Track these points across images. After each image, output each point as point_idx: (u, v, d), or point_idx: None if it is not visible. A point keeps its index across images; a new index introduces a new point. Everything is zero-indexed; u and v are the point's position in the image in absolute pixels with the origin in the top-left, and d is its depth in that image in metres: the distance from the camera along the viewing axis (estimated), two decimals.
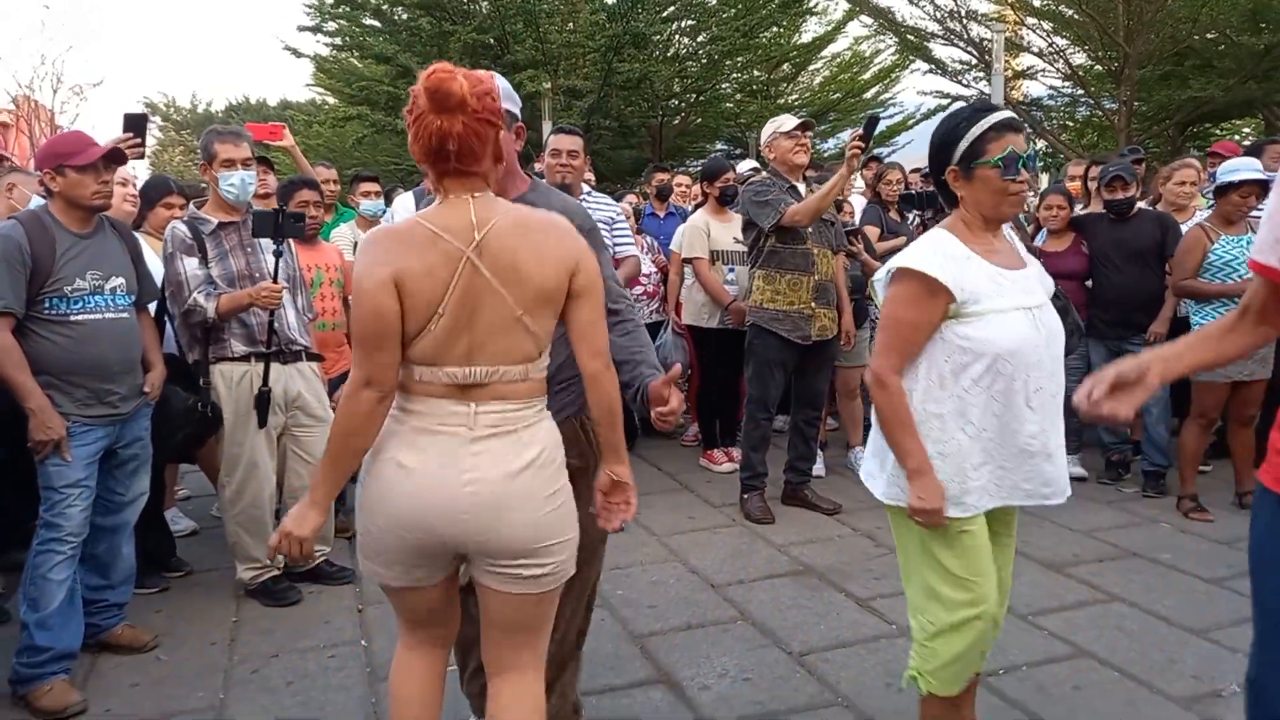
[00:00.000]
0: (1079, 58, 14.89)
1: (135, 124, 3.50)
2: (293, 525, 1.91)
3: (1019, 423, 2.18)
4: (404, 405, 1.90)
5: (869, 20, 16.82)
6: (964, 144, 2.20)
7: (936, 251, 2.19)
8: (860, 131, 4.29)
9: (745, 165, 7.20)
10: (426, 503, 1.85)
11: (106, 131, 3.44)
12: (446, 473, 1.84)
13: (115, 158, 3.10)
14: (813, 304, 4.54)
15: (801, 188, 4.57)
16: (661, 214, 6.47)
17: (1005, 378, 2.15)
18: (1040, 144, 17.29)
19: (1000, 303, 2.17)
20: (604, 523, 2.09)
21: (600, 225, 4.46)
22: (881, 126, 21.00)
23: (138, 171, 4.48)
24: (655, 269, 5.93)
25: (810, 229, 4.53)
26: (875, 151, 21.01)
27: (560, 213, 2.20)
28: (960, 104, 16.53)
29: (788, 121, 4.60)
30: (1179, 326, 4.73)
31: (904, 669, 2.68)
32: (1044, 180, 12.98)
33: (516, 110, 2.36)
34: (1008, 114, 2.25)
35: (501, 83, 2.26)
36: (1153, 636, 3.28)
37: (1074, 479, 5.05)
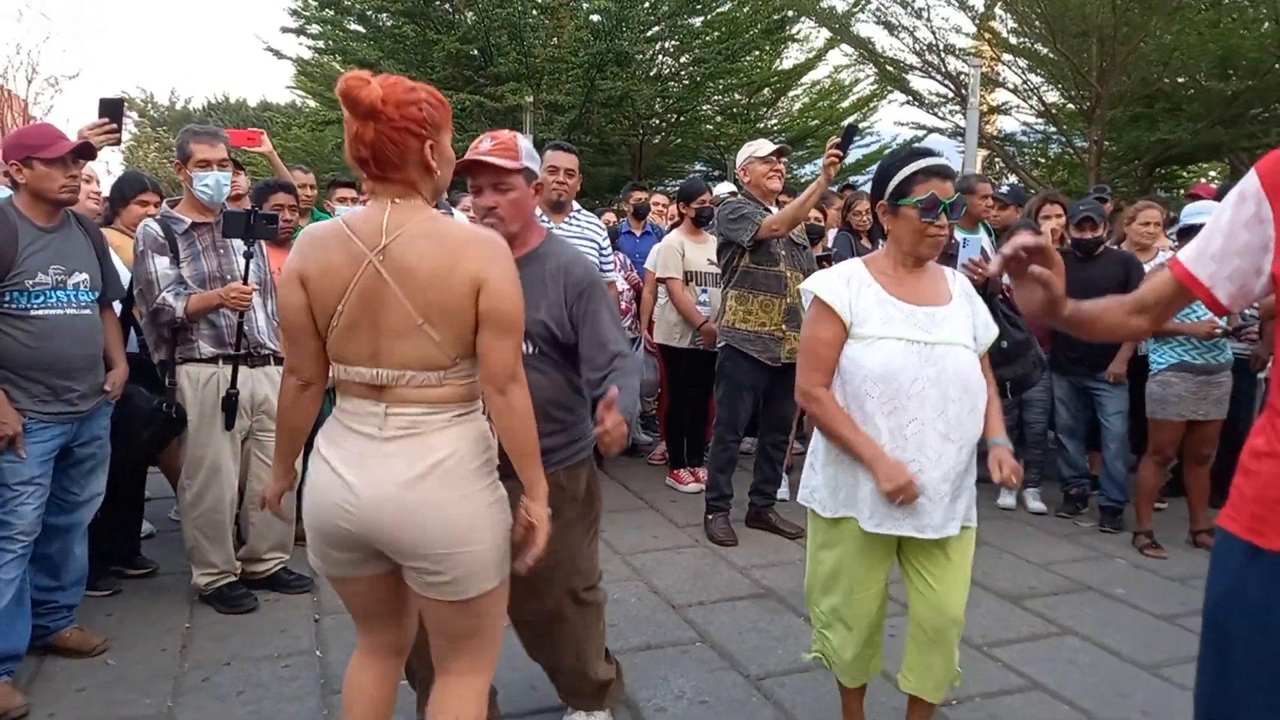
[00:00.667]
0: (1052, 96, 15.14)
1: (111, 109, 3.42)
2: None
3: (895, 452, 2.30)
4: (338, 400, 1.98)
5: (849, 50, 17.02)
6: (894, 181, 2.37)
7: (838, 276, 2.44)
8: (838, 140, 4.26)
9: (723, 187, 7.25)
10: (336, 496, 1.90)
11: (81, 125, 3.38)
12: (356, 469, 1.90)
13: (84, 152, 3.07)
14: (784, 326, 4.57)
15: (775, 210, 4.60)
16: (638, 233, 6.50)
17: (878, 402, 2.30)
18: (1011, 178, 17.56)
19: (883, 330, 2.32)
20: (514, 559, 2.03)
21: (588, 246, 4.47)
22: (857, 155, 21.22)
23: (110, 163, 4.45)
24: (629, 287, 5.95)
25: (784, 252, 4.57)
26: (850, 180, 21.24)
27: (571, 263, 2.52)
28: (935, 136, 16.77)
29: (763, 146, 4.63)
30: (1139, 365, 4.82)
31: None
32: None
33: (536, 169, 2.51)
34: (940, 161, 2.37)
35: (524, 143, 2.46)
36: (1104, 670, 3.32)
37: (1033, 513, 5.17)
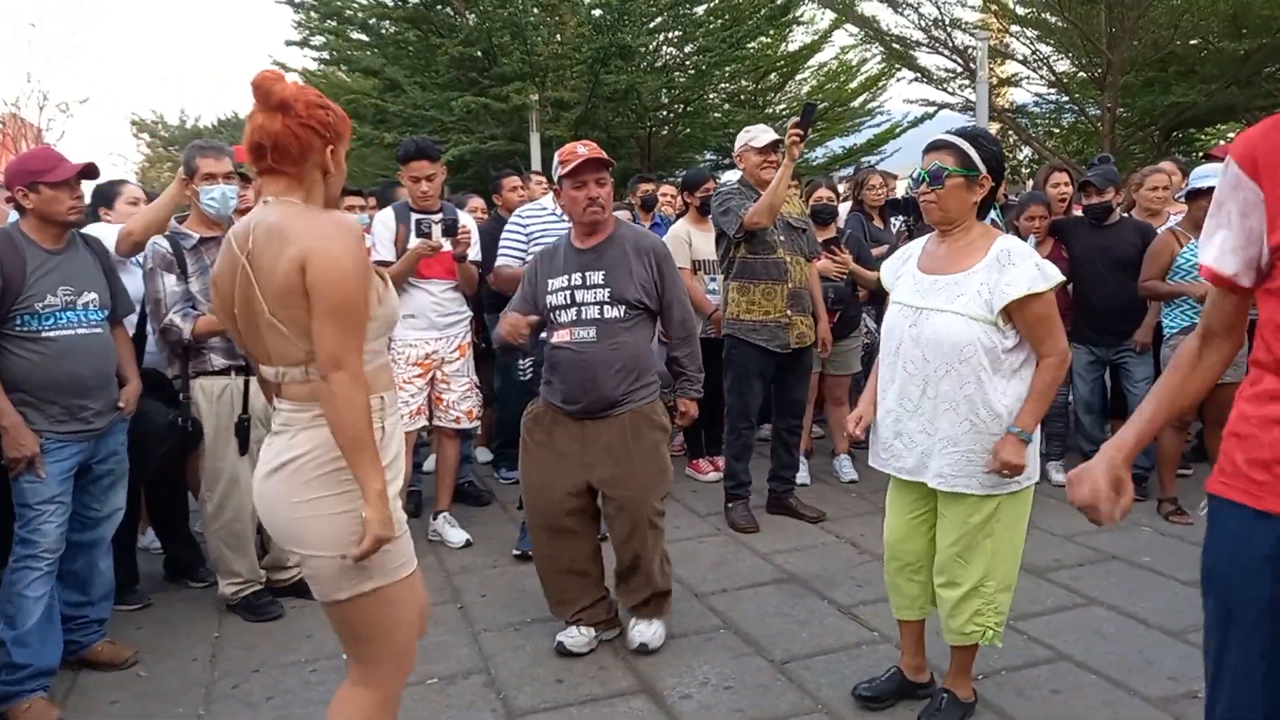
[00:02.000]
0: (1063, 65, 14.97)
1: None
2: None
3: (886, 398, 2.72)
4: None
5: (854, 29, 16.90)
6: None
7: (900, 252, 2.85)
8: (798, 120, 4.21)
9: (731, 175, 7.21)
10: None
11: (92, 148, 3.43)
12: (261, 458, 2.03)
13: (88, 173, 3.10)
14: (788, 312, 4.54)
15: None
16: (646, 224, 6.48)
17: (883, 355, 2.73)
18: (1026, 150, 17.39)
19: (895, 295, 2.72)
20: None
21: None
22: (869, 135, 21.05)
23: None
24: None
25: (782, 237, 4.53)
26: (862, 160, 21.07)
27: (646, 236, 3.37)
28: (945, 111, 16.59)
29: (761, 136, 4.55)
30: (1156, 332, 4.77)
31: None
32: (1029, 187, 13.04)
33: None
34: (938, 137, 2.65)
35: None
36: (1131, 639, 3.29)
37: (1055, 485, 5.11)
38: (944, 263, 2.61)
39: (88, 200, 4.21)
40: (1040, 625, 3.41)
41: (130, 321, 3.59)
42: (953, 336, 2.50)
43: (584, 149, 3.16)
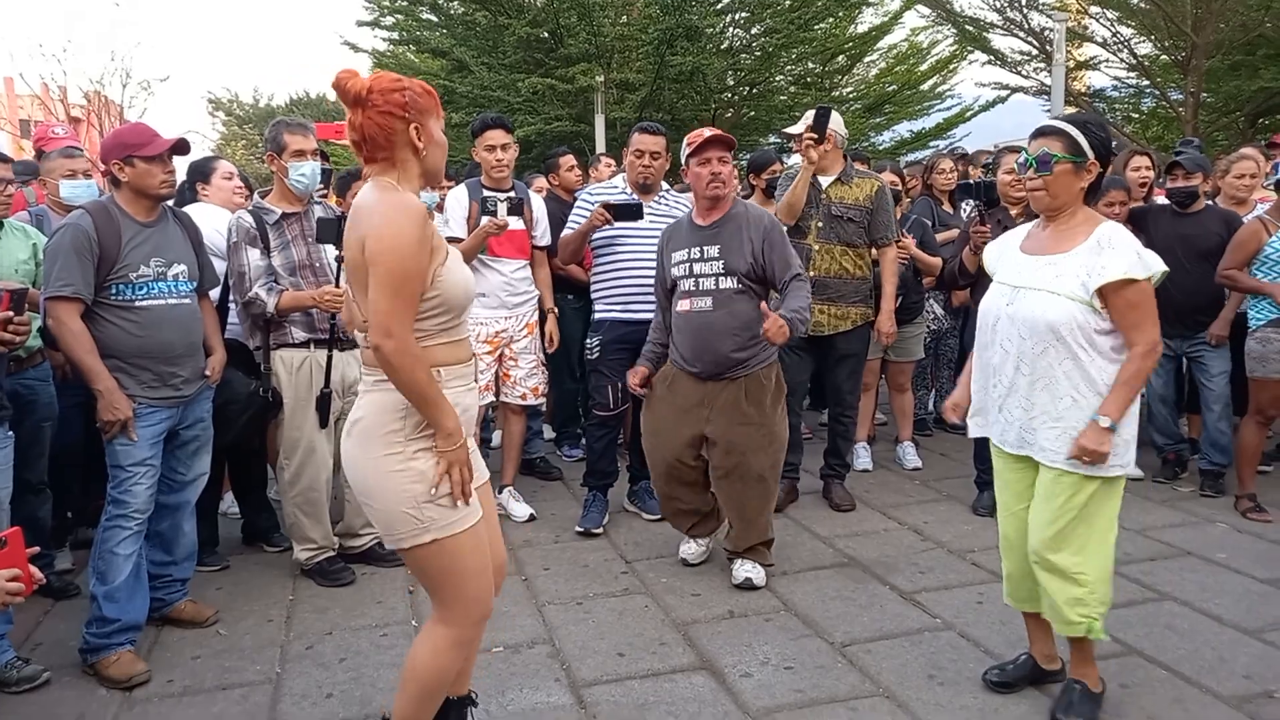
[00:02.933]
0: (1144, 48, 14.47)
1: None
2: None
3: (983, 372, 2.78)
4: None
5: (926, 11, 16.56)
6: None
7: (1004, 236, 2.88)
8: (810, 124, 4.23)
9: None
10: None
11: (173, 124, 3.57)
12: None
13: (180, 149, 3.20)
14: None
15: (822, 180, 4.49)
16: None
17: (980, 331, 2.77)
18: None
19: (996, 276, 2.77)
20: None
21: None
22: (937, 119, 20.62)
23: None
24: None
25: (820, 224, 4.47)
26: (932, 144, 20.59)
27: (760, 215, 3.70)
28: (1019, 95, 16.17)
29: (800, 124, 4.47)
30: (1239, 323, 4.62)
31: (948, 661, 2.95)
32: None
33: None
34: (1046, 123, 2.66)
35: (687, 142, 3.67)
36: (1204, 635, 3.22)
37: (1129, 479, 4.99)
38: (1046, 244, 2.63)
39: (182, 176, 4.37)
40: (1110, 619, 3.30)
41: (213, 294, 3.71)
42: (1049, 315, 2.52)
43: (709, 131, 3.63)
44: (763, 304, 3.44)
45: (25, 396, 3.45)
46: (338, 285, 3.64)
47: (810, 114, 4.30)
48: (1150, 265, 2.47)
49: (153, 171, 3.11)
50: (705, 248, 3.64)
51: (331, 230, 3.62)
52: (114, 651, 3.03)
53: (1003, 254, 2.79)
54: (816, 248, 4.49)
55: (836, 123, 4.46)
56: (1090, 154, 2.55)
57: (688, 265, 3.68)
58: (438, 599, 2.23)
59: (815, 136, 4.21)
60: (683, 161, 3.71)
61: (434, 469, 2.09)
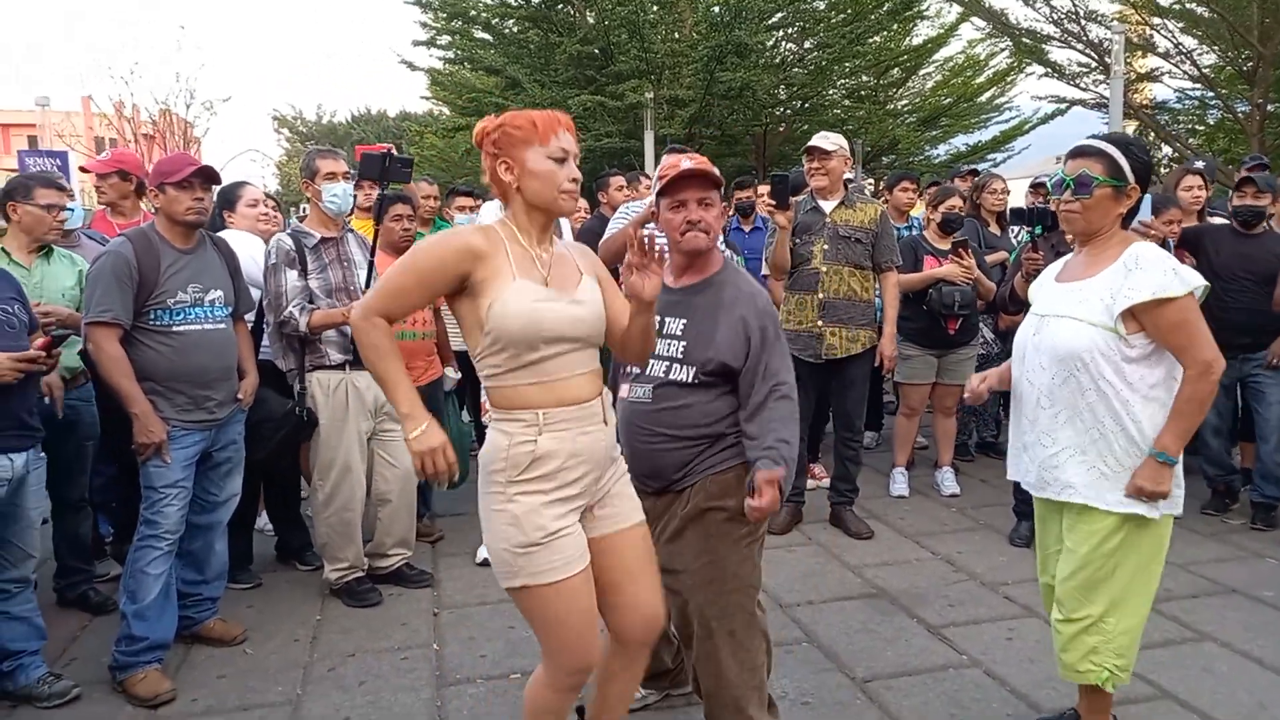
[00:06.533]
0: (1208, 58, 14.09)
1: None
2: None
3: (1013, 410, 2.69)
4: None
5: (982, 23, 16.34)
6: None
7: (1051, 266, 2.75)
8: (768, 193, 4.27)
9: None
10: None
11: (236, 144, 3.71)
12: None
13: (207, 175, 3.29)
14: (819, 322, 4.47)
15: (826, 205, 4.53)
16: (747, 228, 6.44)
17: (1014, 365, 2.68)
18: (1165, 149, 16.45)
19: (1033, 306, 2.66)
20: None
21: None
22: (994, 132, 20.27)
23: (266, 177, 4.81)
24: None
25: (826, 246, 4.46)
26: (990, 156, 20.18)
27: (756, 294, 2.55)
28: (1077, 109, 15.81)
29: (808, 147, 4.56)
30: None
31: (971, 701, 2.89)
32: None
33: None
34: (1086, 141, 2.51)
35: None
36: (1244, 679, 3.10)
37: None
38: (1076, 271, 2.53)
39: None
40: (1144, 659, 3.23)
41: (248, 319, 3.80)
42: (1069, 342, 2.40)
43: (688, 161, 2.49)
44: (774, 474, 2.30)
45: (68, 417, 3.57)
46: None
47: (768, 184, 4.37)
48: (1188, 280, 2.30)
49: (180, 199, 3.20)
50: (667, 319, 2.54)
51: (375, 166, 3.86)
52: (141, 669, 3.11)
53: (1041, 284, 2.69)
54: (825, 269, 4.48)
55: (841, 146, 4.53)
56: (1131, 178, 2.41)
57: None
58: (539, 639, 2.21)
59: (774, 204, 4.23)
60: (651, 199, 2.87)
61: (530, 515, 2.07)
